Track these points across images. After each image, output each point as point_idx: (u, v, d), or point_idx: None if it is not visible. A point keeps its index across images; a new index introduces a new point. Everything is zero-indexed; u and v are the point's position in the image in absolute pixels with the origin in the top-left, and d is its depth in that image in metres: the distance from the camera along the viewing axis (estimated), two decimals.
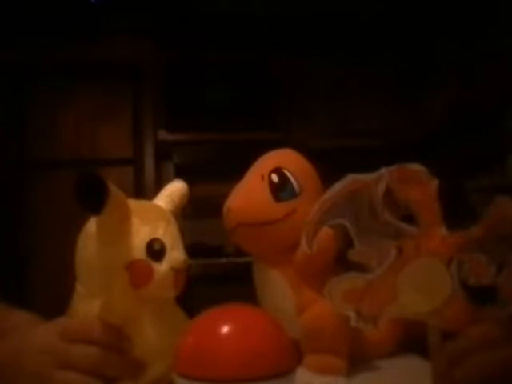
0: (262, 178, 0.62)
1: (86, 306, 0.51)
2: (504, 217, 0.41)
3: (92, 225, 0.52)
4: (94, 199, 0.47)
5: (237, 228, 0.62)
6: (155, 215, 0.54)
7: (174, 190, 0.60)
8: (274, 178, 0.61)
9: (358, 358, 0.62)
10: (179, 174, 2.47)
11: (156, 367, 0.51)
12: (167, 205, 0.58)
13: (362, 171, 0.44)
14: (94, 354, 0.48)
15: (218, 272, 2.19)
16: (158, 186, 2.15)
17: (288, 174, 0.62)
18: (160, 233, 0.52)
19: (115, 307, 0.50)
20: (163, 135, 2.37)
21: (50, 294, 1.72)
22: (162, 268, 0.51)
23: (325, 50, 2.41)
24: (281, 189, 0.61)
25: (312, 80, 2.48)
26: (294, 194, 0.61)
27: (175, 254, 0.52)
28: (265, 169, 0.63)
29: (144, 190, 2.32)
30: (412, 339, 0.64)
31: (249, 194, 0.62)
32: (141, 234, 0.51)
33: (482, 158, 2.05)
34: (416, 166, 0.43)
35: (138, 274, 0.50)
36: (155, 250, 0.51)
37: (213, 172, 2.35)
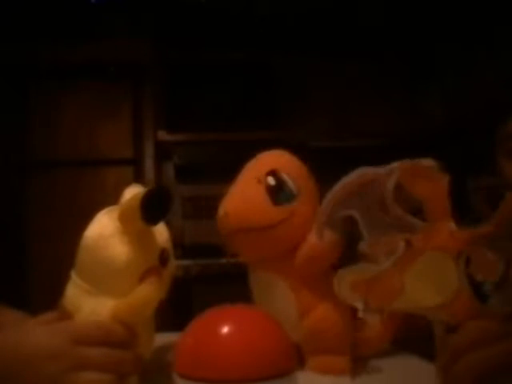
0: (259, 181, 0.61)
1: (96, 306, 0.52)
2: None
3: (110, 227, 0.53)
4: (158, 212, 0.52)
5: (236, 233, 0.61)
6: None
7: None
8: (271, 181, 0.61)
9: (354, 356, 0.62)
10: (179, 173, 2.47)
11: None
12: None
13: None
14: (112, 355, 0.48)
15: (217, 272, 2.18)
16: None
17: (284, 177, 0.61)
18: (166, 241, 0.57)
19: (135, 309, 0.53)
20: (163, 135, 2.37)
21: (49, 293, 1.72)
22: (165, 273, 0.56)
23: (325, 50, 2.41)
24: (278, 192, 0.61)
25: (312, 80, 2.48)
26: (291, 197, 0.61)
27: (173, 262, 0.57)
28: (260, 172, 0.62)
29: None
30: (409, 335, 0.64)
31: (246, 198, 0.61)
32: (157, 241, 0.56)
33: (481, 159, 2.05)
34: (428, 162, 0.43)
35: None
36: (164, 258, 0.55)
37: (213, 172, 2.35)
